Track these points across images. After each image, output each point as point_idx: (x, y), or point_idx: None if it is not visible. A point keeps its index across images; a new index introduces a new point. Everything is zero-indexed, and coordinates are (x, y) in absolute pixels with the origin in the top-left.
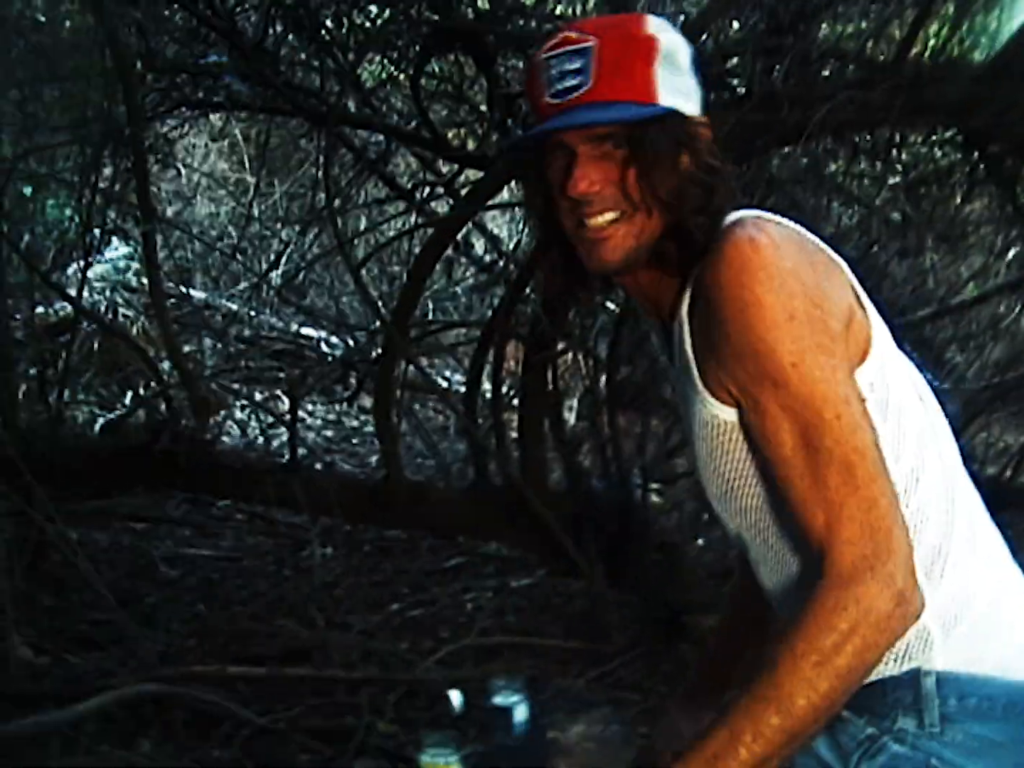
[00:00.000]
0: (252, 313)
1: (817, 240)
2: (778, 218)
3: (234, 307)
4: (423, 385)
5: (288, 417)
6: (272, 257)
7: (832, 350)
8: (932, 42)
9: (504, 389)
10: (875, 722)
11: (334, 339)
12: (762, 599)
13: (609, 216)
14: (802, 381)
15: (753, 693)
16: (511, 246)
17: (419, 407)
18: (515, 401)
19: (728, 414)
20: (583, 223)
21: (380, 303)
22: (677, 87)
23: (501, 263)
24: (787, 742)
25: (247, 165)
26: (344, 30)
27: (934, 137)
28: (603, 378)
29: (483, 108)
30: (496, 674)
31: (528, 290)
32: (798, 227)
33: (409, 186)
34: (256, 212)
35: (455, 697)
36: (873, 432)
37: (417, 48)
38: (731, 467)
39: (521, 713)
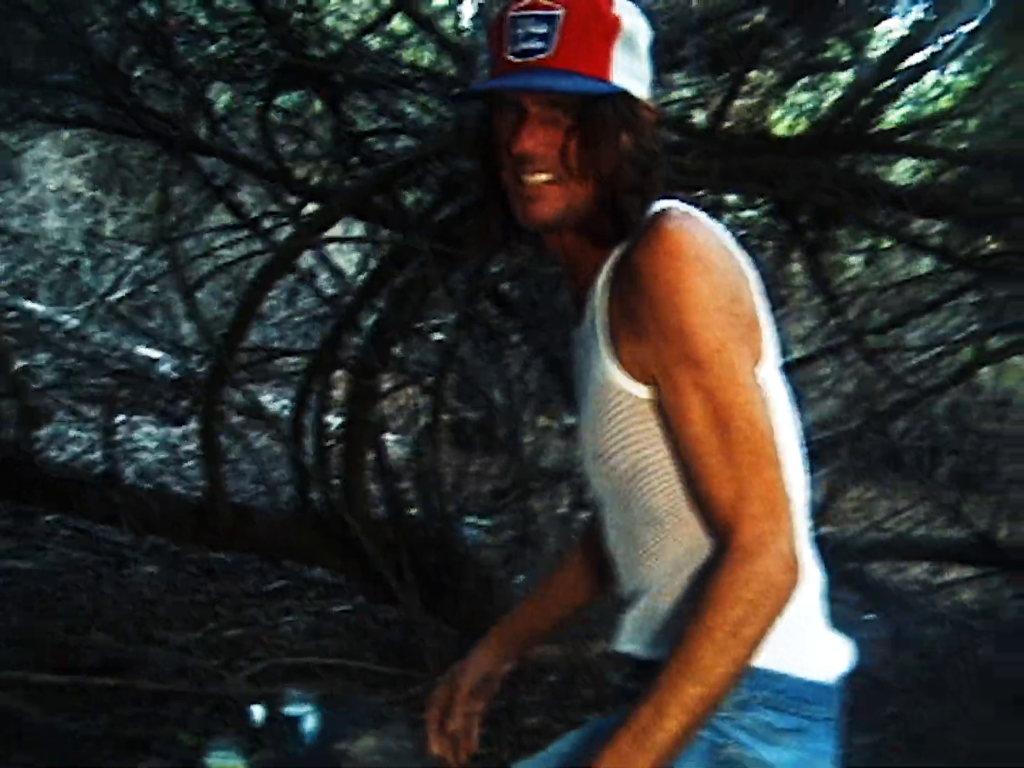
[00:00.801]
0: (92, 330)
1: (734, 244)
2: (704, 215)
3: (75, 323)
4: (250, 409)
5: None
6: (116, 276)
7: (746, 344)
8: (748, 114)
9: (331, 418)
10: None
11: (173, 360)
12: (597, 558)
13: (544, 177)
14: (722, 366)
15: (673, 668)
16: (355, 278)
17: (253, 432)
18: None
19: (630, 385)
20: (520, 179)
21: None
22: (631, 69)
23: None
24: (707, 710)
25: (96, 183)
26: (195, 58)
27: (757, 201)
28: (431, 412)
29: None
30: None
31: (361, 320)
32: (721, 227)
33: (254, 215)
34: (108, 230)
35: (256, 710)
36: (773, 420)
37: (266, 82)
38: (615, 434)
39: (311, 723)
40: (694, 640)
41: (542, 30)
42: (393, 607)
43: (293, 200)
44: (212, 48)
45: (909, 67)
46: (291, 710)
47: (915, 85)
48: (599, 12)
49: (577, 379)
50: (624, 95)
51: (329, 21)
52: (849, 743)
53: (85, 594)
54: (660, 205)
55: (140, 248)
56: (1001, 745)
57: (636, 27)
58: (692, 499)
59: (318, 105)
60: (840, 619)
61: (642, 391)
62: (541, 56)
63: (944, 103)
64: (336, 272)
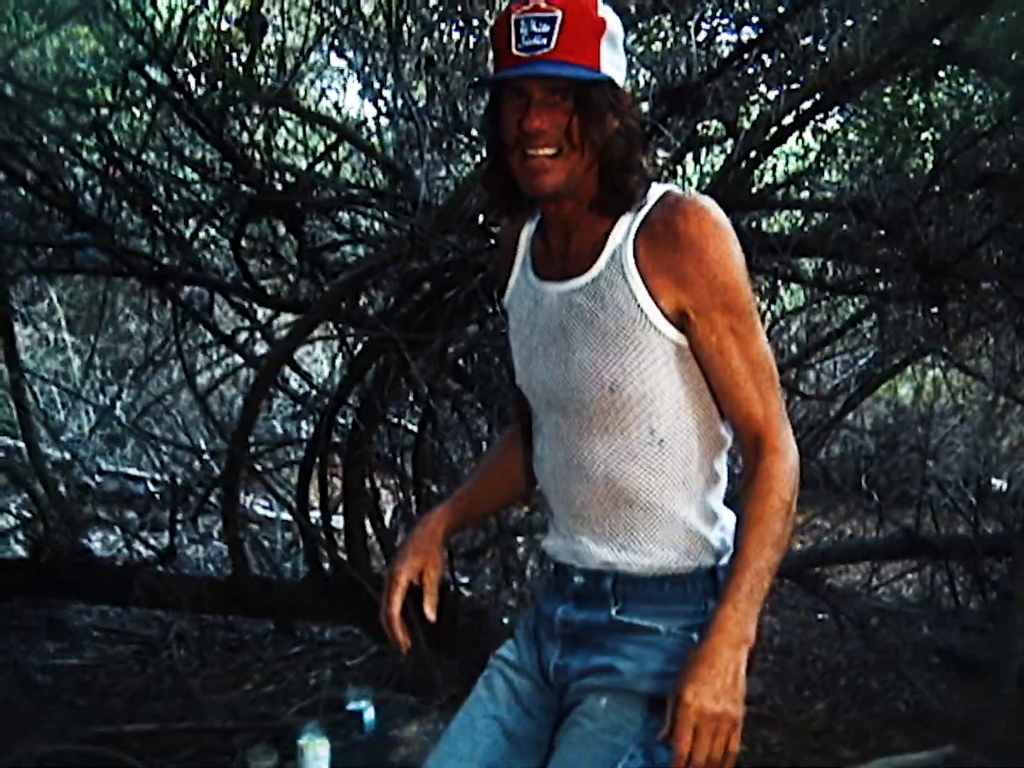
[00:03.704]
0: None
1: None
2: None
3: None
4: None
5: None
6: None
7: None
8: None
9: (330, 492)
10: (692, 607)
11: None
12: (520, 473)
13: (549, 151)
14: (751, 316)
15: (754, 542)
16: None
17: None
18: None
19: (663, 325)
20: (527, 154)
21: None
22: (614, 61)
23: (313, 394)
24: (777, 568)
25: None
26: (173, 202)
27: None
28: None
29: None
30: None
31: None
32: None
33: (230, 331)
34: (97, 362)
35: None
36: None
37: (237, 216)
38: (635, 363)
39: (370, 715)
40: (767, 518)
41: (544, 29)
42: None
43: (265, 314)
44: (185, 192)
45: (772, 136)
46: (353, 706)
47: (779, 149)
48: (589, 13)
49: (566, 321)
50: (610, 82)
51: (286, 158)
52: (810, 708)
53: (131, 678)
54: (661, 186)
55: (128, 375)
56: (936, 706)
57: (617, 26)
58: (699, 420)
59: (282, 229)
60: (796, 620)
61: (672, 332)
62: (544, 51)
63: (804, 163)
64: (305, 375)
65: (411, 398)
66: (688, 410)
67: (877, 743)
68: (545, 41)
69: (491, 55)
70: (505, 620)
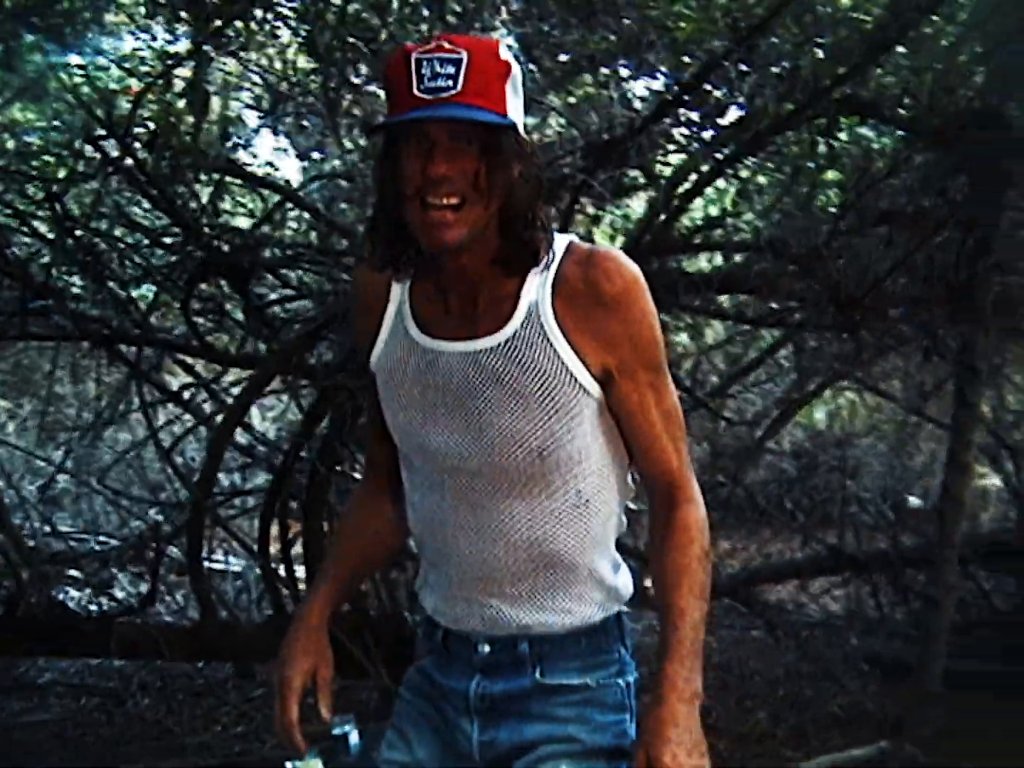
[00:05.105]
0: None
1: None
2: None
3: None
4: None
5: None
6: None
7: None
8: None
9: (290, 536)
10: (608, 656)
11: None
12: (389, 520)
13: (453, 200)
14: (665, 368)
15: (683, 597)
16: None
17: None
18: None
19: (590, 384)
20: (428, 203)
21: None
22: (517, 107)
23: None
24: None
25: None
26: (123, 266)
27: None
28: None
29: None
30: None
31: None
32: None
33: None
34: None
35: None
36: None
37: (186, 278)
38: (561, 426)
39: (355, 738)
40: (692, 570)
41: (449, 70)
42: (366, 679)
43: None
44: (136, 258)
45: (692, 184)
46: (338, 730)
47: (699, 198)
48: (495, 56)
49: (474, 383)
50: (515, 128)
51: (232, 220)
52: (753, 717)
53: (101, 728)
54: (561, 236)
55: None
56: (869, 707)
57: (518, 71)
58: (616, 475)
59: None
60: (732, 638)
61: (596, 390)
62: (449, 93)
63: (721, 208)
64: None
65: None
66: (609, 467)
67: (817, 743)
68: (451, 83)
69: (386, 97)
70: None
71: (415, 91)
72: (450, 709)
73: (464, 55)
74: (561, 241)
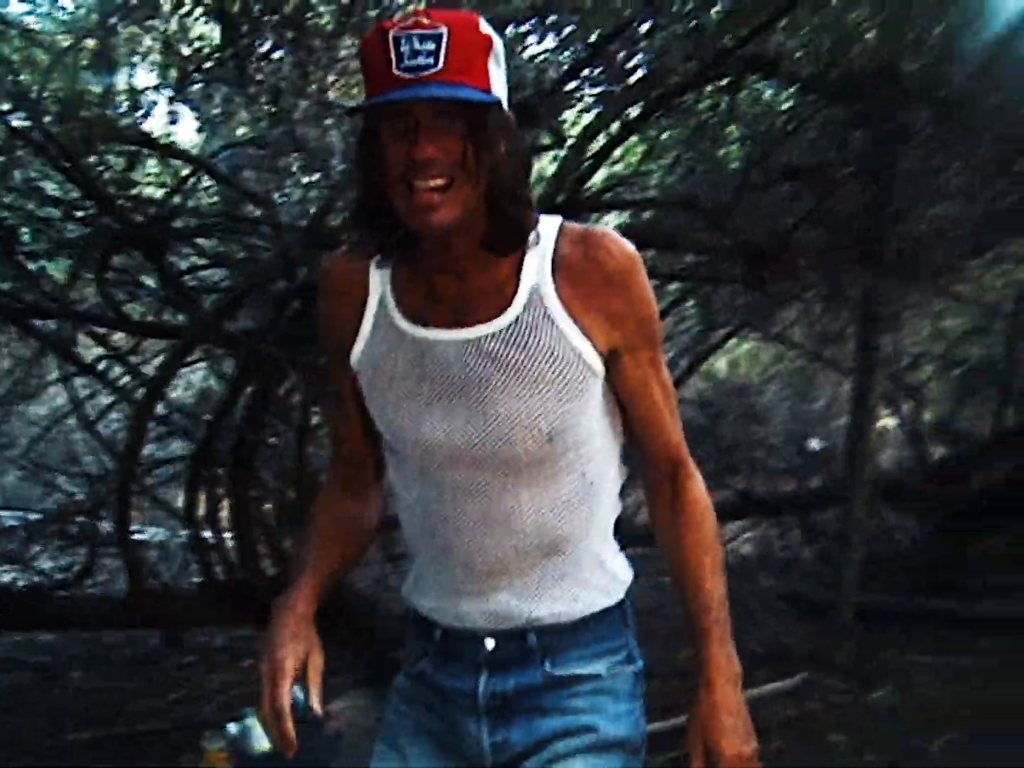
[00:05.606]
0: None
1: None
2: None
3: None
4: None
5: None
6: None
7: None
8: None
9: (217, 504)
10: (615, 643)
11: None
12: (362, 520)
13: (440, 182)
14: (662, 348)
15: (711, 572)
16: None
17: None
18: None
19: (596, 364)
20: (414, 186)
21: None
22: (501, 82)
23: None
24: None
25: None
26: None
27: None
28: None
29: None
30: None
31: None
32: None
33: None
34: None
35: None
36: None
37: (102, 251)
38: (568, 409)
39: (299, 695)
40: (710, 546)
41: (430, 47)
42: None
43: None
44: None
45: (603, 145)
46: None
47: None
48: (475, 30)
49: (477, 370)
50: (499, 105)
51: (146, 191)
52: (676, 658)
53: (39, 703)
54: (548, 217)
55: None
56: (788, 642)
57: (500, 45)
58: (615, 456)
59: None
60: (651, 584)
61: (600, 369)
62: (431, 71)
63: (628, 165)
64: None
65: (289, 409)
66: (610, 448)
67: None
68: (432, 60)
69: (364, 77)
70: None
71: (395, 70)
72: (454, 712)
73: (444, 30)
74: (551, 222)
